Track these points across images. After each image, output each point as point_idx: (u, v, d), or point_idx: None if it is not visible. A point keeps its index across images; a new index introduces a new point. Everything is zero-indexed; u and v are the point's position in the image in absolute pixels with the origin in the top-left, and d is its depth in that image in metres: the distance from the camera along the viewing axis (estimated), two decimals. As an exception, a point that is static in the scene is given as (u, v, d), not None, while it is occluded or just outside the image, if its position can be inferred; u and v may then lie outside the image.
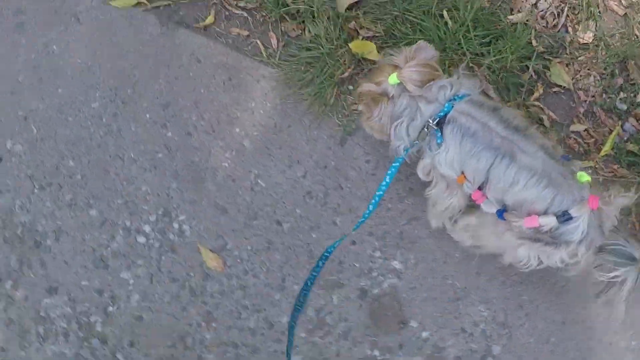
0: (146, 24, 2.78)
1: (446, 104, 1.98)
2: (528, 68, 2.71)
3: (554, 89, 2.71)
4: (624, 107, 2.72)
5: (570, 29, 2.79)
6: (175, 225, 2.60)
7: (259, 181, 2.57)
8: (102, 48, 2.75)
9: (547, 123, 2.67)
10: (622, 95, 2.74)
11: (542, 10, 2.79)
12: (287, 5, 2.67)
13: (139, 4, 2.79)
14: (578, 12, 2.80)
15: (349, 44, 2.61)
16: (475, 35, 2.63)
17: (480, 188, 2.03)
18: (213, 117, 2.62)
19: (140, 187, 2.62)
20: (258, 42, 2.70)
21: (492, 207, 2.02)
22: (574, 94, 2.71)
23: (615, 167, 2.65)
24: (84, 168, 2.66)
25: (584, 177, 1.90)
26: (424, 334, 2.51)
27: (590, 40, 2.76)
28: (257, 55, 2.69)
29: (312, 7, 2.60)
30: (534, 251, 1.99)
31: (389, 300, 2.52)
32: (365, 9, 2.68)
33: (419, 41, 2.14)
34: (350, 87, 2.62)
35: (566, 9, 2.79)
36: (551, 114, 2.68)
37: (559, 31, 2.78)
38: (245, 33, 2.72)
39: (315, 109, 2.59)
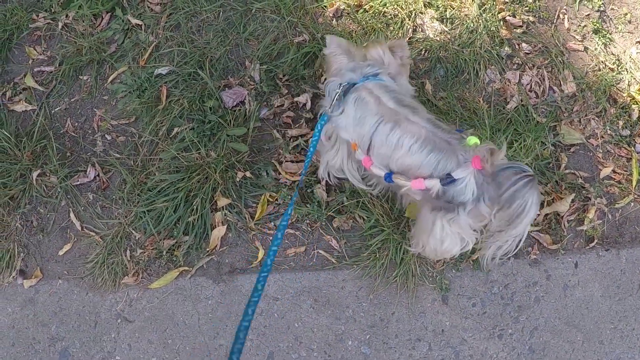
0: (200, 288, 2.62)
1: (361, 78, 2.18)
2: (545, 144, 2.87)
3: (572, 150, 2.92)
4: (628, 132, 2.99)
5: (555, 88, 2.97)
6: None
7: (394, 377, 2.59)
8: (169, 334, 2.59)
9: (582, 182, 2.86)
10: (621, 122, 3.00)
11: (528, 84, 2.95)
12: (329, 205, 2.62)
13: (181, 274, 2.60)
14: (552, 69, 2.99)
15: (405, 213, 2.62)
16: (500, 143, 2.74)
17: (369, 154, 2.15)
18: (321, 343, 2.58)
19: None
20: (320, 251, 2.64)
21: (379, 170, 2.12)
22: (587, 144, 2.93)
23: (650, 188, 2.93)
24: None
25: (472, 140, 1.94)
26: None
27: (575, 89, 2.97)
28: (327, 265, 2.64)
29: (359, 198, 2.57)
30: (443, 222, 2.04)
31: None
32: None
33: (401, 39, 2.55)
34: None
35: (545, 72, 2.96)
36: (581, 173, 2.89)
37: (548, 96, 2.96)
38: (302, 249, 2.65)
39: (407, 285, 2.62)
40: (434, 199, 2.01)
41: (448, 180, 1.92)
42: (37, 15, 3.16)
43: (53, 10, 3.14)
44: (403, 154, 2.00)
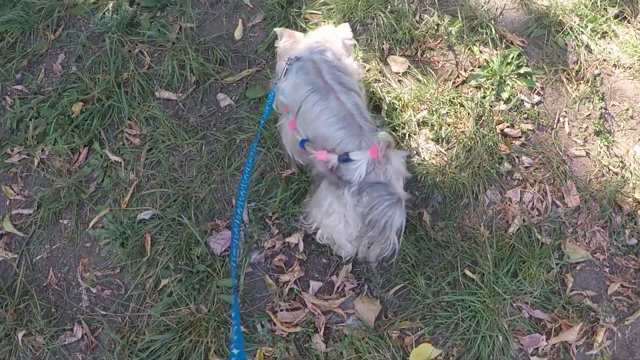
0: None
1: (309, 53, 2.35)
2: (551, 267, 2.75)
3: (578, 268, 2.80)
4: (634, 240, 2.87)
5: (558, 202, 2.85)
6: None
7: None
8: None
9: (590, 303, 2.74)
10: (627, 231, 2.88)
11: (530, 202, 2.82)
12: (328, 356, 2.52)
13: None
14: (555, 180, 2.86)
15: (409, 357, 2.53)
16: (503, 275, 2.63)
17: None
18: None
19: None
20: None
21: (298, 136, 2.30)
22: (594, 260, 2.81)
23: (660, 298, 2.82)
24: None
25: (382, 134, 2.04)
26: None
27: (579, 201, 2.84)
28: None
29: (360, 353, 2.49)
30: (332, 197, 2.20)
31: None
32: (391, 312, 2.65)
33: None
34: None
35: (547, 186, 2.83)
36: (588, 292, 2.77)
37: (551, 212, 2.83)
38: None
39: None
40: (330, 173, 2.13)
41: (344, 158, 2.03)
42: (12, 150, 3.01)
43: (28, 144, 2.99)
44: (319, 124, 2.14)
